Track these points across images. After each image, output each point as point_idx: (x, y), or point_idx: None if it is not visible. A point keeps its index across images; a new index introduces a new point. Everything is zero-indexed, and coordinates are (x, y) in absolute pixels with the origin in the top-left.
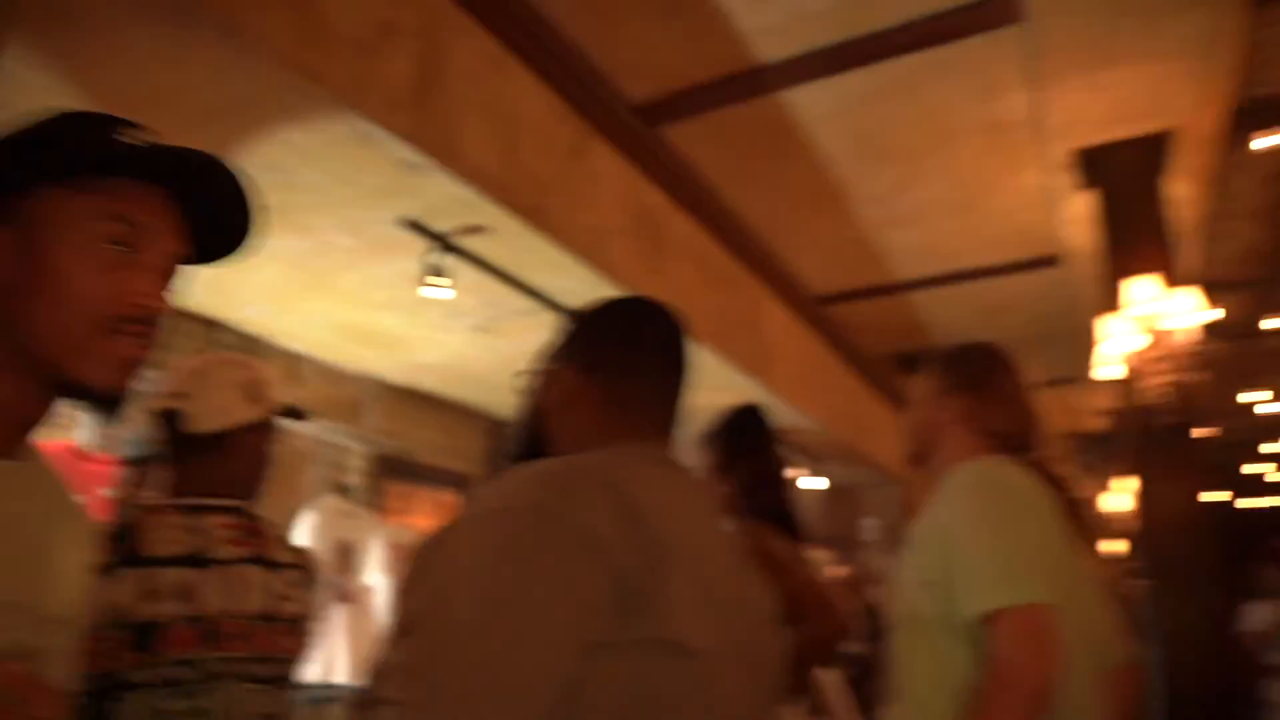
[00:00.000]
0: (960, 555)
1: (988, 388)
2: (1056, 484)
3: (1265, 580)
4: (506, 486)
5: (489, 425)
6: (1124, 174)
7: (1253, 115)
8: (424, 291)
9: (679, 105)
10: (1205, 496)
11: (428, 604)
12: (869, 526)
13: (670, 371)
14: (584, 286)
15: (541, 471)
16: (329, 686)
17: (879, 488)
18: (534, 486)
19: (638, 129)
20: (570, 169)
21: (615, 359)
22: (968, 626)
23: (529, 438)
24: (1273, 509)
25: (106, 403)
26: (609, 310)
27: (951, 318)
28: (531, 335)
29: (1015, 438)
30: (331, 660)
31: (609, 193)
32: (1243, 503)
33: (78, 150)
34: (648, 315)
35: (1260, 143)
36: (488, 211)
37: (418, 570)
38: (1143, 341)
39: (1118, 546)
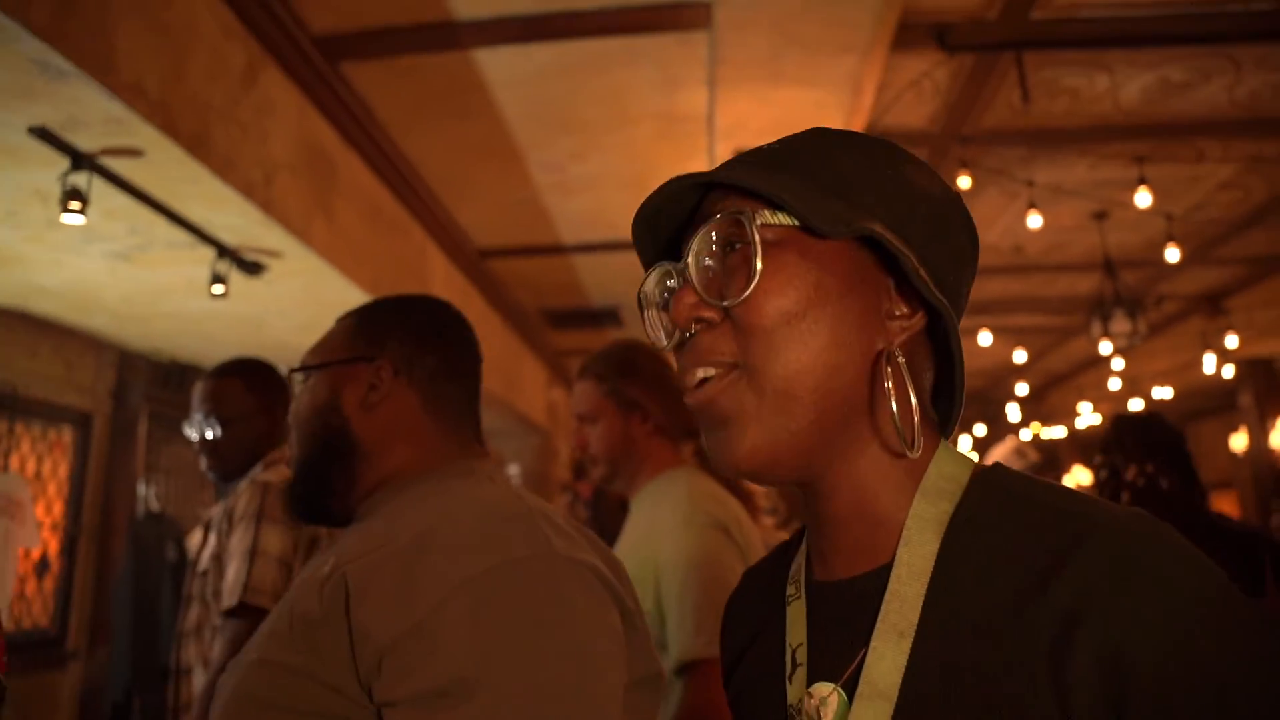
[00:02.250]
0: (670, 598)
1: (664, 390)
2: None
3: None
4: (473, 539)
5: (118, 358)
6: None
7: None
8: (64, 218)
9: (365, 44)
10: None
11: (482, 668)
12: (511, 473)
13: (477, 375)
14: (246, 223)
15: (499, 514)
16: None
17: (522, 436)
18: (517, 532)
19: (317, 62)
20: (240, 97)
21: (432, 359)
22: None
23: (325, 437)
24: None
25: None
26: (407, 306)
27: (607, 282)
28: (183, 269)
29: (687, 430)
30: None
31: (281, 126)
32: None
33: None
34: (449, 313)
35: None
36: (143, 134)
37: (415, 636)
38: None
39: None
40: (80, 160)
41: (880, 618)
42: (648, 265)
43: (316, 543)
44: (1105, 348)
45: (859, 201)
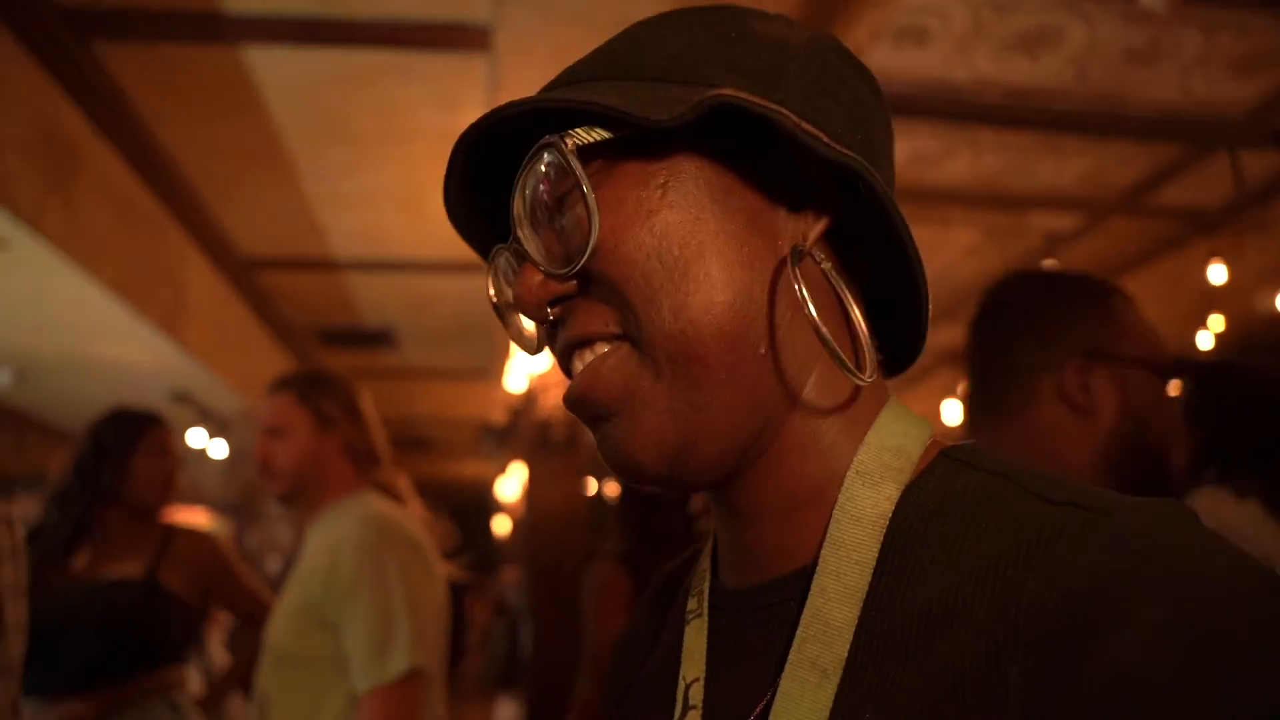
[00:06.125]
0: (355, 620)
1: (356, 414)
2: (402, 501)
3: None
4: None
5: None
6: None
7: None
8: None
9: (120, 24)
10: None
11: None
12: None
13: None
14: None
15: None
16: None
17: None
18: None
19: (63, 36)
20: None
21: None
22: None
23: None
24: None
25: None
26: None
27: (381, 302)
28: None
29: (373, 458)
30: None
31: (11, 102)
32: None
33: None
34: None
35: None
36: None
37: None
38: (546, 364)
39: (504, 525)
40: None
41: (795, 647)
42: (486, 257)
43: None
44: None
45: (703, 79)
